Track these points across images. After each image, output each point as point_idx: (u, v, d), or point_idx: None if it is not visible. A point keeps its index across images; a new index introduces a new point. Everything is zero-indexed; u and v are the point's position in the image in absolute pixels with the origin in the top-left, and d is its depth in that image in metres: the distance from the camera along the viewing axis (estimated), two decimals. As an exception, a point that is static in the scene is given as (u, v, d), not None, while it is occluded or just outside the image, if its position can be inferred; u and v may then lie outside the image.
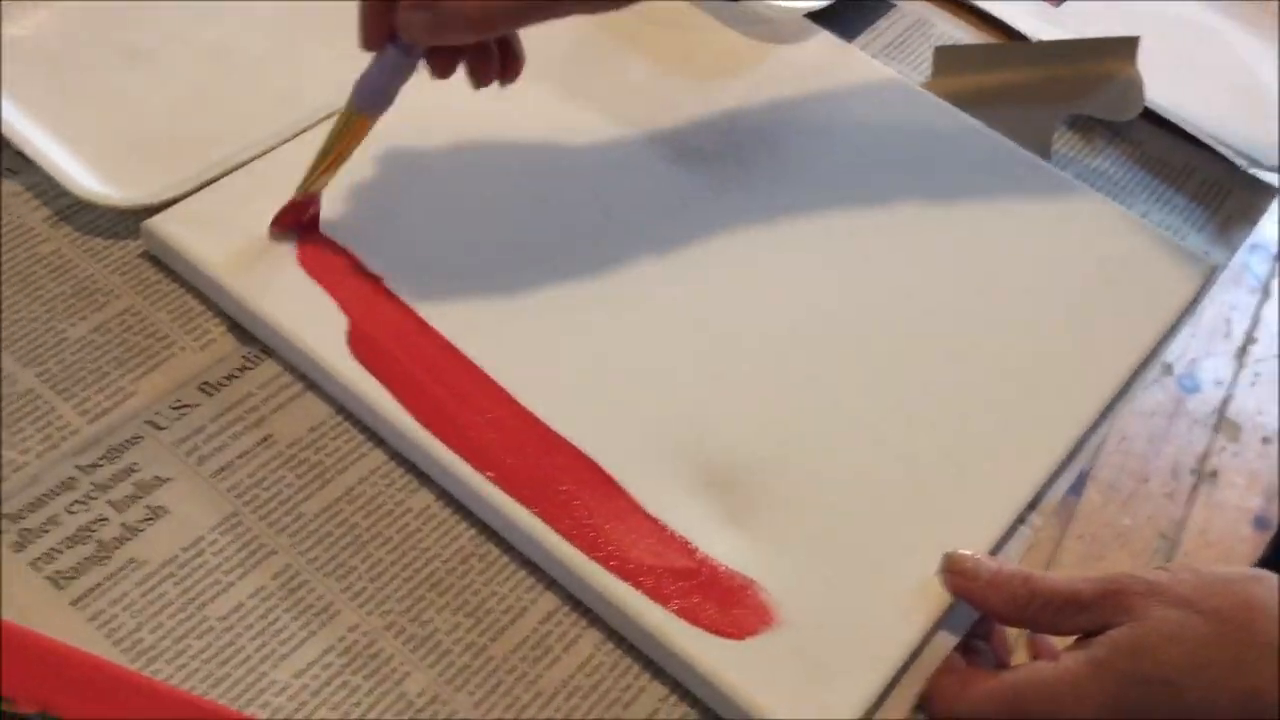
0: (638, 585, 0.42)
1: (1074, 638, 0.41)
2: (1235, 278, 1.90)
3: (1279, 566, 0.41)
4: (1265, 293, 0.62)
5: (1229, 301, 1.42)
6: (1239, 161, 0.63)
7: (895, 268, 0.53)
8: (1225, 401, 1.92)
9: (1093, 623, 0.40)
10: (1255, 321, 0.61)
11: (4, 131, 0.51)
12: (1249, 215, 0.62)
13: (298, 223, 0.49)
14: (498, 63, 0.47)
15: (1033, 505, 0.48)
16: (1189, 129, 0.63)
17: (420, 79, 0.46)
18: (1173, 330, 0.55)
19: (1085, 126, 0.64)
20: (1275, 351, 0.60)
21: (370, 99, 0.46)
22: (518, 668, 0.41)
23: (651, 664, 0.42)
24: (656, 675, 0.42)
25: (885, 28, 0.67)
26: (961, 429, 0.48)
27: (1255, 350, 0.59)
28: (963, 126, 0.60)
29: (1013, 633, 0.45)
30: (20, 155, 0.51)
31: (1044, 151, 0.61)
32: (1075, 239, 0.56)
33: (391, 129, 0.48)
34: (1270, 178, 0.63)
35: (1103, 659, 0.39)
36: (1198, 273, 0.56)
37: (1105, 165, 0.63)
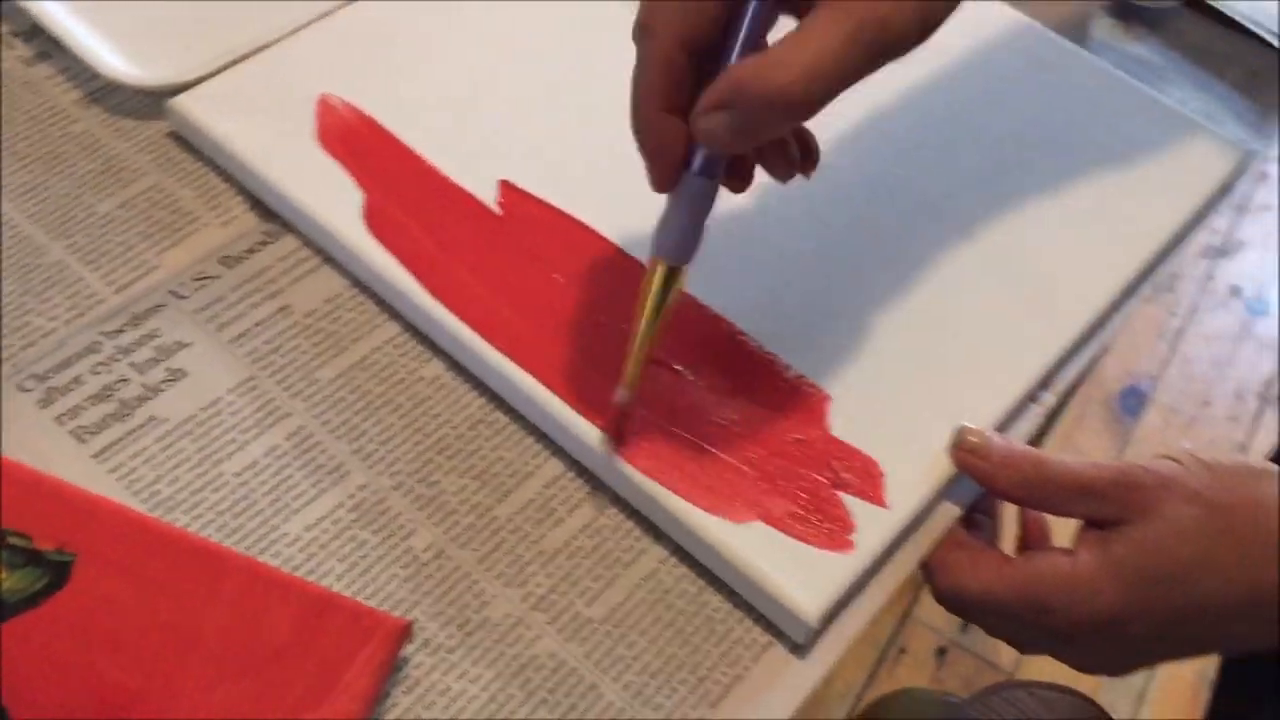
0: (640, 450, 0.42)
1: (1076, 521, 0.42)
2: (1312, 201, 1.79)
3: None
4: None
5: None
6: (1282, 46, 0.61)
7: (926, 148, 0.53)
8: (1296, 324, 1.83)
9: (1102, 512, 0.40)
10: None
11: (39, 17, 0.52)
12: (1293, 103, 0.60)
13: (624, 427, 0.42)
14: (796, 150, 0.40)
15: (1045, 384, 0.48)
16: (1233, 15, 0.61)
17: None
18: (1203, 215, 0.53)
19: (1125, 14, 0.62)
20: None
21: (683, 247, 0.38)
22: (521, 528, 0.42)
23: (653, 527, 0.43)
24: (658, 539, 0.43)
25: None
26: (977, 304, 0.48)
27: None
28: (999, 13, 0.59)
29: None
30: (54, 40, 0.52)
31: (1081, 39, 0.60)
32: (1105, 124, 0.55)
33: (414, 10, 0.48)
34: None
35: (1120, 556, 0.39)
36: (1230, 157, 0.54)
37: (1144, 53, 0.61)
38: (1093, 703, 0.63)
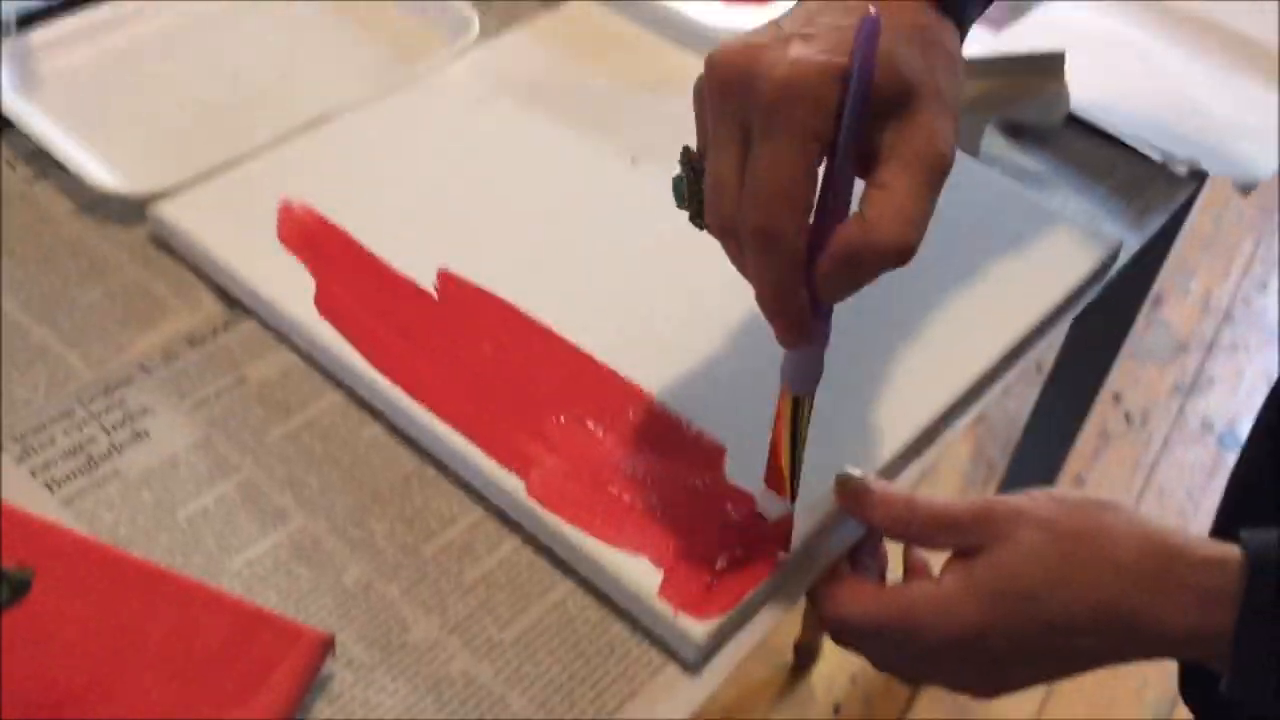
0: (551, 494, 0.47)
1: (949, 552, 0.46)
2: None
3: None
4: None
5: (1277, 360, 1.40)
6: (1155, 155, 0.67)
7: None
8: (1267, 459, 1.84)
9: (965, 542, 0.45)
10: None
11: (39, 139, 0.60)
12: (1166, 205, 0.66)
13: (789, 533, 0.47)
14: None
15: (930, 440, 0.52)
16: (1109, 130, 0.68)
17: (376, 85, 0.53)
18: (1075, 300, 0.59)
19: (1015, 131, 0.69)
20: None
21: (812, 379, 0.44)
22: (443, 564, 0.47)
23: (562, 564, 0.47)
24: (567, 574, 0.47)
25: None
26: (864, 371, 0.53)
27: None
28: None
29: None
30: (50, 160, 0.59)
31: (973, 151, 0.67)
32: (988, 222, 0.61)
33: (372, 132, 0.55)
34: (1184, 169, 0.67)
35: (979, 578, 0.44)
36: (1099, 250, 0.60)
37: (1031, 164, 0.68)
38: None
